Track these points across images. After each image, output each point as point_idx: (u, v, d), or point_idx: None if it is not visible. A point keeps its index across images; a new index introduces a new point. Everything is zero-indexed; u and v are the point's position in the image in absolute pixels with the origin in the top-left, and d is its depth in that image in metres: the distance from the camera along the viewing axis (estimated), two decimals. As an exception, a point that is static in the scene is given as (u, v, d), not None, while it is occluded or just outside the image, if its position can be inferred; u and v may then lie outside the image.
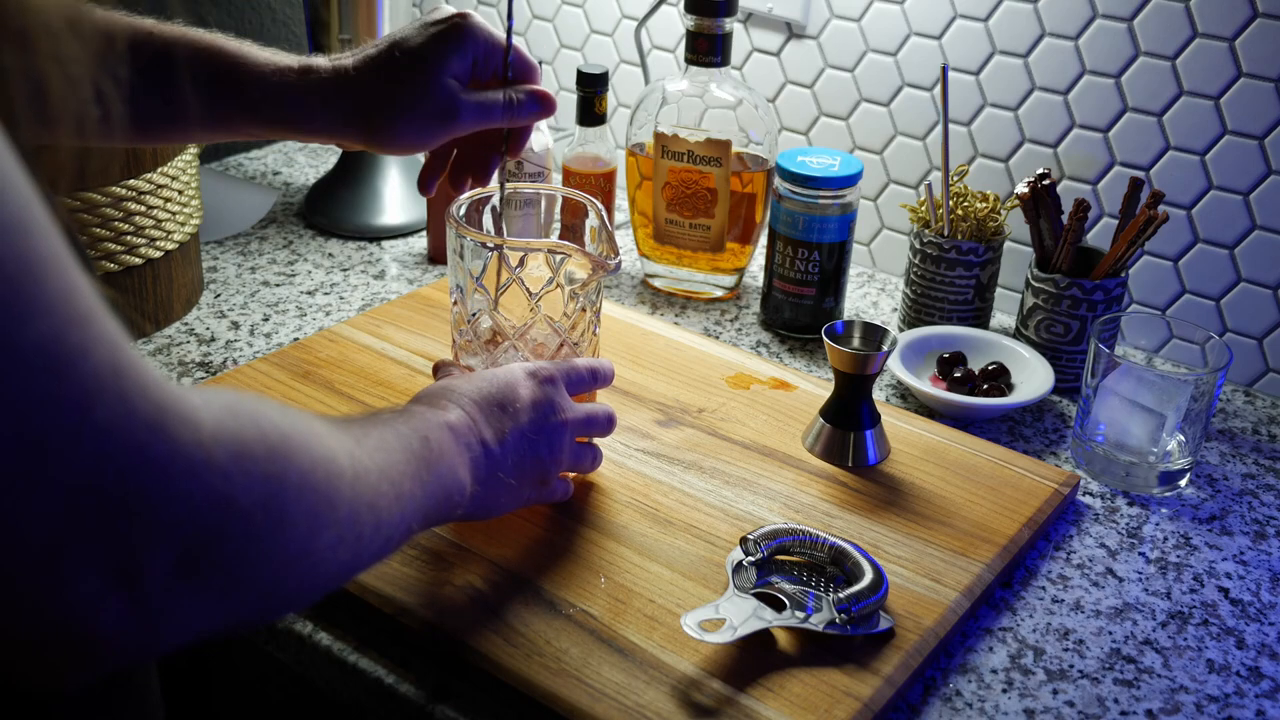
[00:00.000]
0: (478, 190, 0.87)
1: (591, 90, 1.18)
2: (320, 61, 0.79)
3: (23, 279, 0.37)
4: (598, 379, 0.82)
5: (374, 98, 0.78)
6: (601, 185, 1.20)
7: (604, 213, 0.86)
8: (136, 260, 1.03)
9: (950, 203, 1.10)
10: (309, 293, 1.16)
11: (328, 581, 0.52)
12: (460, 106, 0.79)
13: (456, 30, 0.79)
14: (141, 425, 0.40)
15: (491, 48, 0.81)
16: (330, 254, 1.24)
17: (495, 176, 0.87)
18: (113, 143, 0.82)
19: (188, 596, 0.43)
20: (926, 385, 1.01)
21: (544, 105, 0.83)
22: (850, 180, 1.08)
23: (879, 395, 1.04)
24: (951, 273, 1.08)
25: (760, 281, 1.21)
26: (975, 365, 1.06)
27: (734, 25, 1.16)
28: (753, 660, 0.71)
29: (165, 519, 0.41)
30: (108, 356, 0.39)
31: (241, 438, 0.45)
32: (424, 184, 0.87)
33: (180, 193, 1.06)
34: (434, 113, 0.78)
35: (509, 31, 0.81)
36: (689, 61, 1.14)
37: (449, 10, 0.81)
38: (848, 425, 0.91)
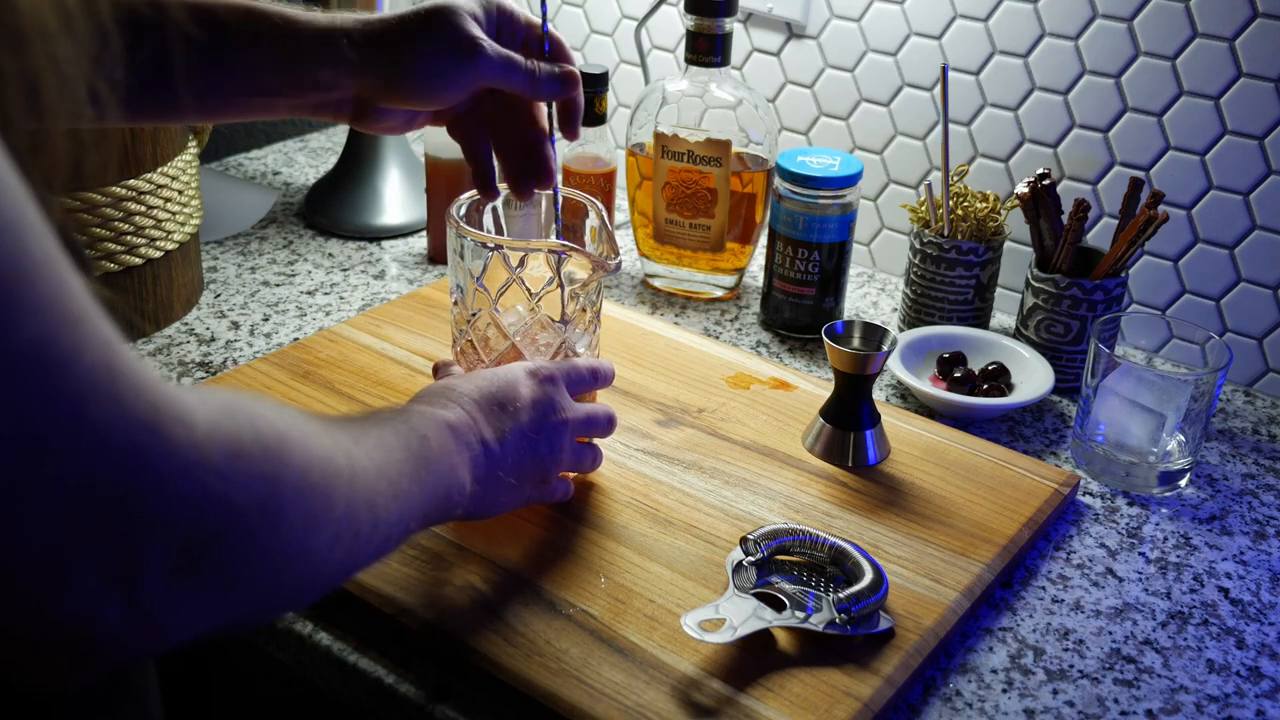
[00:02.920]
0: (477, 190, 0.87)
1: (591, 90, 1.18)
2: (345, 14, 0.78)
3: (15, 280, 0.37)
4: (598, 379, 0.82)
5: (393, 38, 0.76)
6: (601, 185, 1.20)
7: (604, 213, 0.86)
8: (136, 260, 1.03)
9: (950, 203, 1.10)
10: (309, 293, 1.16)
11: (326, 581, 0.52)
12: (481, 48, 0.77)
13: None
14: (137, 425, 0.40)
15: (512, 17, 0.80)
16: (330, 254, 1.24)
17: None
18: (110, 124, 0.81)
19: (186, 596, 0.43)
20: (926, 385, 1.01)
21: (566, 82, 0.81)
22: (850, 180, 1.08)
23: (879, 395, 1.04)
24: (951, 273, 1.08)
25: (760, 281, 1.21)
26: (975, 365, 1.06)
27: (734, 25, 1.16)
28: (753, 660, 0.71)
29: (163, 519, 0.41)
30: (102, 357, 0.39)
31: (237, 437, 0.45)
32: (484, 188, 0.85)
33: (180, 193, 1.06)
34: (455, 51, 0.76)
35: (544, 17, 0.81)
36: (689, 61, 1.14)
37: None
38: (848, 425, 0.91)
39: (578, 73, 0.81)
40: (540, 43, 0.81)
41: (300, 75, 0.77)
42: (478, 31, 0.77)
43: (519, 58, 0.79)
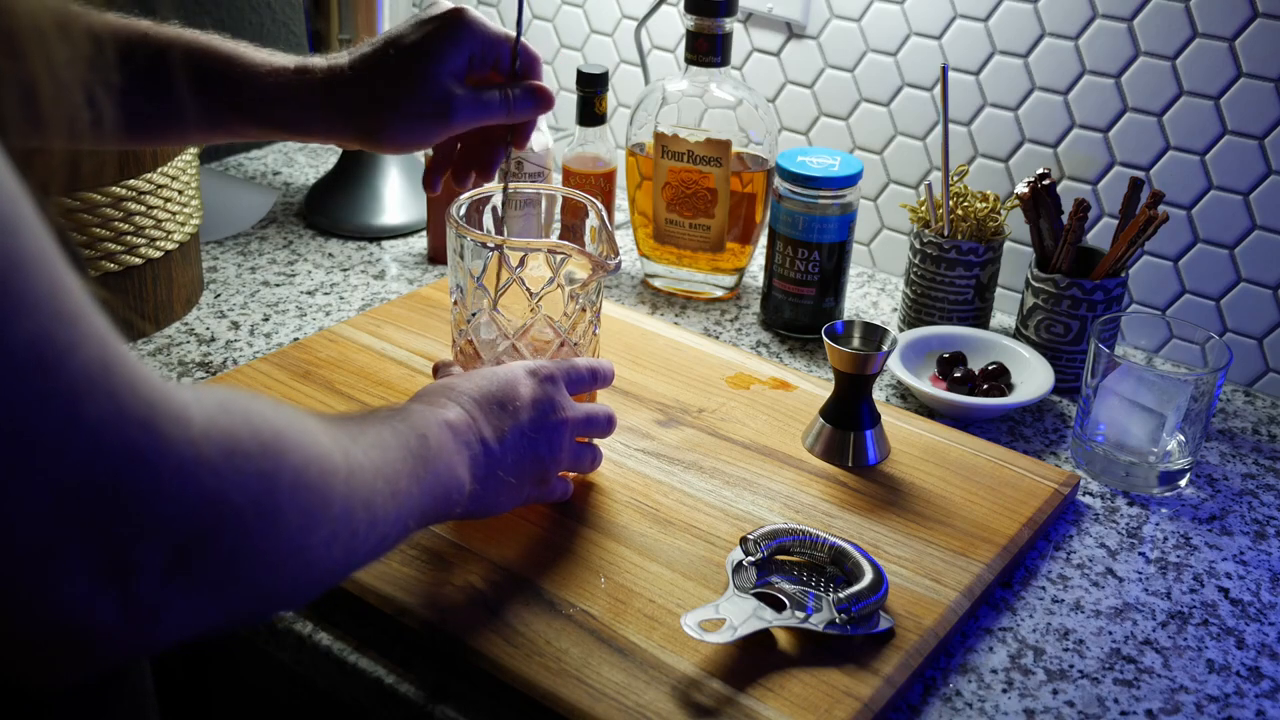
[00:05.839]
0: (478, 190, 0.87)
1: (591, 90, 1.18)
2: (316, 61, 0.78)
3: (10, 276, 0.37)
4: (598, 379, 0.82)
5: (368, 97, 0.77)
6: (601, 185, 1.20)
7: (604, 213, 0.86)
8: (136, 260, 1.03)
9: (950, 203, 1.10)
10: (309, 293, 1.16)
11: (322, 579, 0.52)
12: (455, 104, 0.78)
13: (452, 25, 0.78)
14: (132, 422, 0.40)
15: (489, 42, 0.80)
16: (330, 254, 1.24)
17: (497, 175, 0.87)
18: (106, 145, 0.82)
19: (180, 594, 0.42)
20: (926, 385, 1.01)
21: (541, 101, 0.82)
22: (850, 180, 1.08)
23: (879, 395, 1.04)
24: (951, 273, 1.08)
25: (760, 281, 1.21)
26: (975, 365, 1.06)
27: (734, 25, 1.16)
28: (753, 660, 0.71)
29: (157, 516, 0.41)
30: (97, 353, 0.39)
31: (233, 434, 0.45)
32: (429, 182, 0.87)
33: (180, 193, 1.06)
34: (428, 110, 0.77)
35: (519, 24, 0.81)
36: (689, 61, 1.14)
37: (445, 5, 0.80)
38: (848, 425, 0.91)
39: (549, 90, 0.83)
40: (513, 57, 0.81)
41: (272, 125, 0.78)
42: (451, 84, 0.78)
43: (492, 94, 0.80)
